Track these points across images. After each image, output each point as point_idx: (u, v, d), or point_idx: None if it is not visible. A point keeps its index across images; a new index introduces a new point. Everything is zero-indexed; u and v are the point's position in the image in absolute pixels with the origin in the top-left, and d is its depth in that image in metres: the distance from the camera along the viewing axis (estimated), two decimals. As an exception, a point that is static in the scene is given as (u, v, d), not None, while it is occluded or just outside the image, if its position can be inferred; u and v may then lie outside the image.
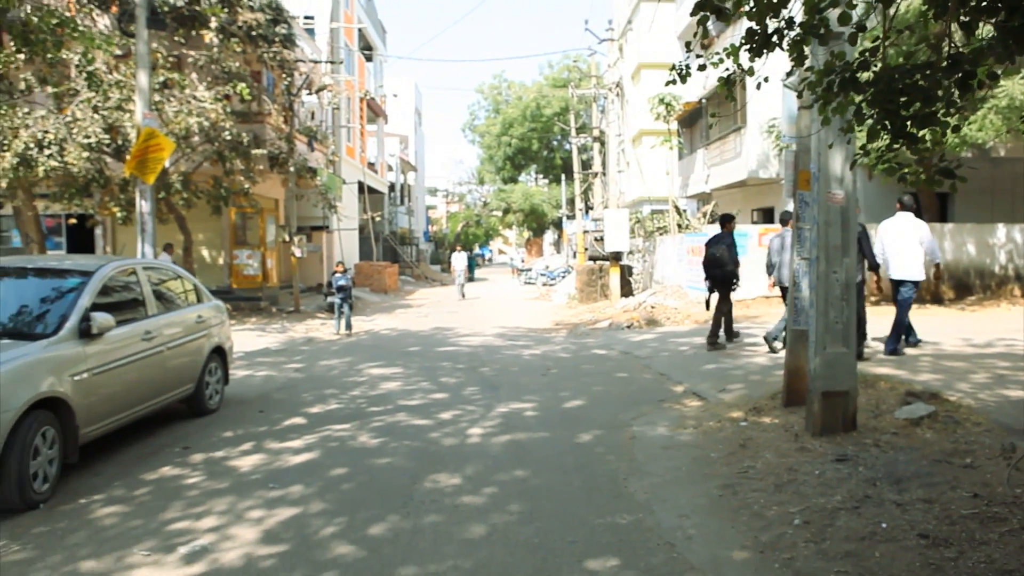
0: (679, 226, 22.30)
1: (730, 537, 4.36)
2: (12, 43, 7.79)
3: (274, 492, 5.16)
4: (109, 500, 5.12)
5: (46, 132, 13.83)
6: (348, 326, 15.33)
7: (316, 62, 21.95)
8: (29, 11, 7.11)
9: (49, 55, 7.68)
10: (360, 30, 33.68)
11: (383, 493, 5.13)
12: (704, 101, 23.59)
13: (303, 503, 4.94)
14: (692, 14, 4.43)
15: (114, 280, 6.46)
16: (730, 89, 4.87)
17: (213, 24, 15.22)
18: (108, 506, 5.00)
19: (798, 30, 4.14)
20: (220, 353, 8.00)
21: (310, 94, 22.41)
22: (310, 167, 20.12)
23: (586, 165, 35.77)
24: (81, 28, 7.87)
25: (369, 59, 38.40)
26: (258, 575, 3.88)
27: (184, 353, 7.19)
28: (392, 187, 44.82)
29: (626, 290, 21.23)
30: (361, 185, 31.40)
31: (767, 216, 22.26)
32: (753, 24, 4.20)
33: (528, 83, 56.37)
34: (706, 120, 24.22)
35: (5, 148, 13.56)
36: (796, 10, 4.23)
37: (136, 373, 6.33)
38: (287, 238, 19.85)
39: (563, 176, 46.93)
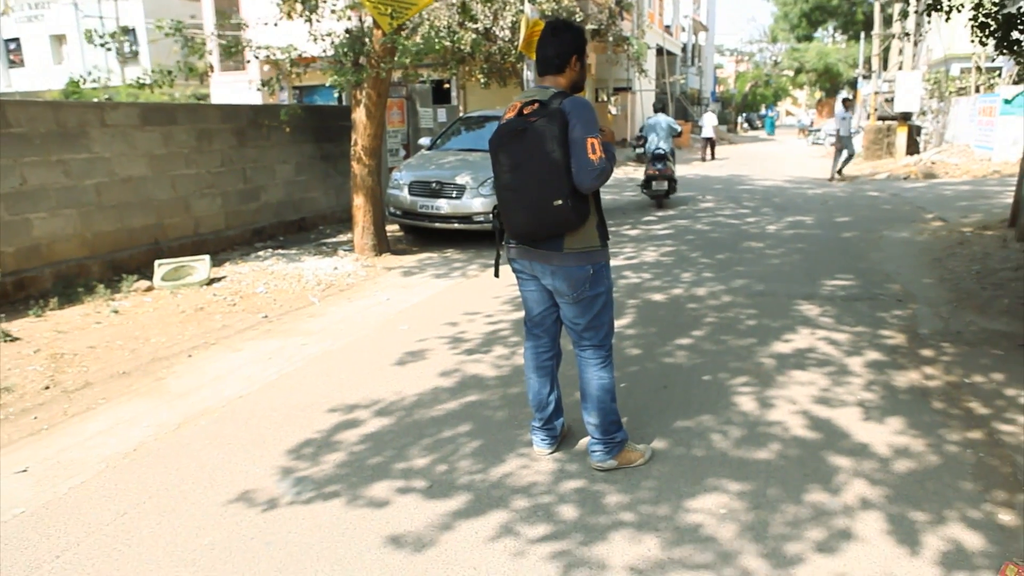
0: (980, 87, 22.70)
1: (924, 275, 7.68)
2: None
3: (655, 243, 9.31)
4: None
5: (441, 21, 18.75)
6: (660, 171, 19.12)
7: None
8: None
9: None
10: None
11: (718, 246, 9.07)
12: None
13: (674, 246, 9.05)
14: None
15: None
16: None
17: (561, -78, 18.92)
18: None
19: None
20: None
21: (628, -30, 25.56)
22: (624, 35, 23.62)
23: (890, 22, 34.95)
24: None
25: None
26: (664, 266, 8.01)
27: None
28: (684, 48, 46.67)
29: (912, 149, 22.53)
30: (660, 49, 34.26)
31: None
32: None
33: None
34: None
35: (414, 33, 18.73)
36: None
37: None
38: (605, 98, 23.83)
39: (862, 33, 45.33)
